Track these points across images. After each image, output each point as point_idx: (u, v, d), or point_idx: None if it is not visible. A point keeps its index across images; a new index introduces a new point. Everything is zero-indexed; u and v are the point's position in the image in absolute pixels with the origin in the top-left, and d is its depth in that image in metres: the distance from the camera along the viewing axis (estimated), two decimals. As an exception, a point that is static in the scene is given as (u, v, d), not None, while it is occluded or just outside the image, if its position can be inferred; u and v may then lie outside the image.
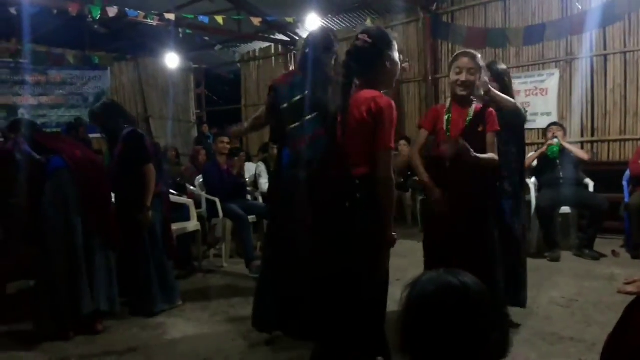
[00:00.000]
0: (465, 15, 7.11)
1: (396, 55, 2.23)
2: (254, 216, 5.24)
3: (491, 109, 2.93)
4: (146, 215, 3.67)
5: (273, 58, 9.94)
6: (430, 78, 7.36)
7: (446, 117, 2.91)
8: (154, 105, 10.63)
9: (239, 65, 10.76)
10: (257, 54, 10.33)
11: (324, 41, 3.11)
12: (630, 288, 3.71)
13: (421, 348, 1.12)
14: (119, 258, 3.56)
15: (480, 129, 2.87)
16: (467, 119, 2.87)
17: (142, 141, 3.73)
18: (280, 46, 9.67)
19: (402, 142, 7.04)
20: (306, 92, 2.94)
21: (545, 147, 5.23)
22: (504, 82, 3.28)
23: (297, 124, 2.94)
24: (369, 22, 7.86)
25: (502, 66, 3.45)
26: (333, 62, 3.07)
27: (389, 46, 2.20)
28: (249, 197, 5.79)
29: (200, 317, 3.71)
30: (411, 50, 7.60)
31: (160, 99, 10.72)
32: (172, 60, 9.81)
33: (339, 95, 2.15)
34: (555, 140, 5.16)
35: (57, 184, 3.25)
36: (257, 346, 3.12)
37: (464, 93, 2.86)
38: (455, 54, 2.98)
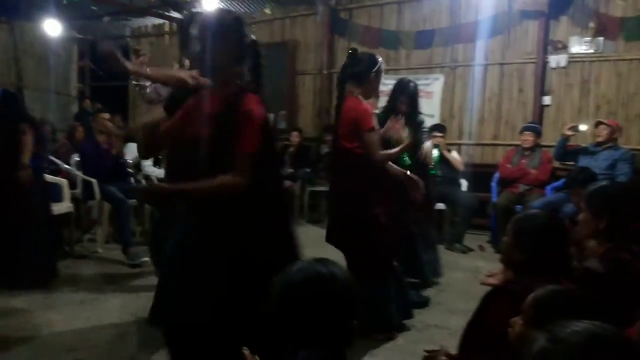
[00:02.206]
0: (362, 14, 7.29)
1: None
2: (134, 200, 4.99)
3: None
4: (25, 173, 3.45)
5: (167, 36, 9.53)
6: (325, 72, 7.46)
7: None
8: (30, 75, 9.73)
9: (129, 40, 10.19)
10: (149, 30, 9.85)
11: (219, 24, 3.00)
12: (491, 280, 4.06)
13: (290, 335, 1.13)
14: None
15: None
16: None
17: (16, 99, 3.56)
18: (174, 24, 9.29)
19: (295, 133, 7.09)
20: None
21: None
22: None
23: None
24: (268, 11, 7.80)
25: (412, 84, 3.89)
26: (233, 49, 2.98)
27: None
28: (131, 179, 5.51)
29: (68, 304, 3.46)
30: (308, 43, 7.66)
31: (37, 69, 9.83)
32: (52, 27, 9.03)
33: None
34: (436, 152, 5.38)
35: None
36: (126, 335, 2.98)
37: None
38: (379, 59, 3.06)
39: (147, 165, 5.68)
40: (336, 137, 3.07)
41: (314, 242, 5.47)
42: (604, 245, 2.19)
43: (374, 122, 2.94)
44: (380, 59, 3.06)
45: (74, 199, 4.76)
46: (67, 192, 4.65)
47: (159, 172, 5.54)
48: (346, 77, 3.05)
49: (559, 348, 0.88)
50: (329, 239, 3.18)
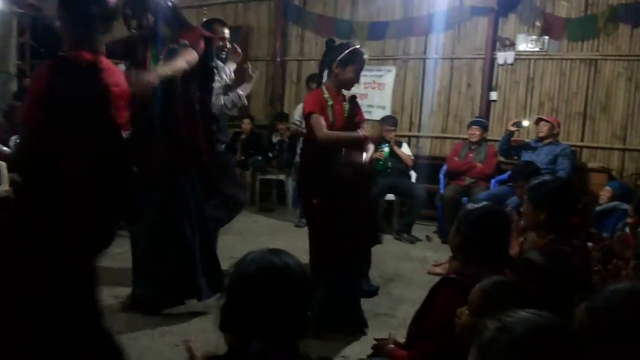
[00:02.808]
0: (316, 2, 7.26)
1: None
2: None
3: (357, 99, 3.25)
4: None
5: (114, 16, 9.18)
6: (278, 59, 7.41)
7: (330, 103, 3.03)
8: (-36, 50, 9.19)
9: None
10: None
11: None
12: (437, 270, 4.17)
13: (242, 326, 1.13)
14: None
15: (356, 119, 3.15)
16: (345, 110, 3.09)
17: None
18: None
19: (246, 120, 7.02)
20: None
21: (379, 153, 5.42)
22: None
23: None
24: (220, -6, 7.64)
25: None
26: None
27: None
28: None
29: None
30: (262, 29, 7.57)
31: (-27, 44, 9.29)
32: (-10, 0, 8.55)
33: None
34: (386, 150, 5.45)
35: None
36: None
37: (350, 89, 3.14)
38: (359, 49, 3.08)
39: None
40: None
41: (265, 231, 5.50)
42: (545, 237, 2.29)
43: (316, 106, 2.98)
44: (354, 48, 3.06)
45: (13, 183, 4.55)
46: (5, 175, 4.43)
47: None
48: (324, 65, 3.13)
49: (504, 337, 0.91)
50: None
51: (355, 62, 3.03)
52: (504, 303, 1.32)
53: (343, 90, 3.11)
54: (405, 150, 5.84)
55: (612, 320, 1.06)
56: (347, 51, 3.02)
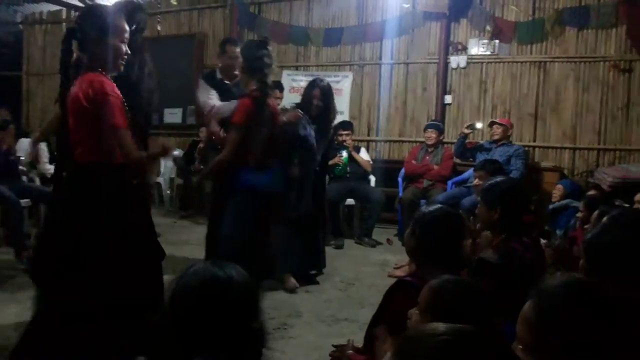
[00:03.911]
0: (271, 9, 7.25)
1: None
2: (28, 200, 4.65)
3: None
4: None
5: (64, 24, 8.93)
6: (234, 66, 7.34)
7: None
8: None
9: (21, 27, 9.44)
10: (44, 17, 9.18)
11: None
12: (398, 272, 4.19)
13: (185, 340, 1.10)
14: None
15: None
16: None
17: None
18: (72, 11, 8.73)
19: (204, 128, 6.91)
20: None
21: (333, 163, 5.40)
22: None
23: None
24: (174, 2, 7.55)
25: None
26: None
27: None
28: (24, 178, 5.11)
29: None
30: (217, 36, 7.49)
31: None
32: None
33: None
34: (344, 156, 5.51)
35: None
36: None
37: None
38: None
39: (43, 162, 5.29)
40: None
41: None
42: (498, 236, 2.33)
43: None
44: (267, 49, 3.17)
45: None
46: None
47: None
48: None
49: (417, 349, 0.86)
50: None
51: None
52: (451, 301, 1.33)
53: None
54: (364, 155, 5.88)
55: (556, 317, 1.06)
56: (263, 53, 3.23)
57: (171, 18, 7.74)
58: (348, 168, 5.60)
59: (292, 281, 3.84)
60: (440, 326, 0.86)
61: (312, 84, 4.05)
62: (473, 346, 0.82)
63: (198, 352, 1.07)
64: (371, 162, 5.88)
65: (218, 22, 7.51)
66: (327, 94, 3.99)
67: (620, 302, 1.10)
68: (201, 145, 6.88)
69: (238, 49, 3.70)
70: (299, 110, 3.72)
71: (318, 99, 3.92)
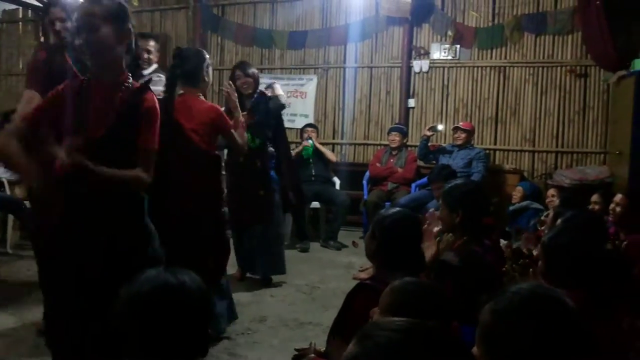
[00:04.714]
0: (235, 11, 7.20)
1: None
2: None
3: None
4: None
5: (20, 24, 8.66)
6: (198, 69, 7.25)
7: None
8: None
9: (-26, 26, 9.11)
10: (-1, 17, 8.90)
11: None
12: (362, 275, 4.20)
13: (138, 349, 1.07)
14: None
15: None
16: None
17: None
18: (30, 11, 8.47)
19: (166, 131, 6.82)
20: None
21: (301, 147, 5.70)
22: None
23: None
24: (135, 2, 7.39)
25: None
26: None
27: None
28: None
29: None
30: (180, 38, 7.40)
31: None
32: None
33: None
34: (310, 141, 5.67)
35: None
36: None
37: None
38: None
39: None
40: (183, 139, 2.76)
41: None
42: (459, 238, 2.37)
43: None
44: (206, 55, 3.02)
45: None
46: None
47: (8, 176, 4.97)
48: (176, 77, 2.85)
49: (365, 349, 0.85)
50: None
51: (210, 66, 3.05)
52: (411, 301, 1.34)
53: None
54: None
55: (512, 323, 1.05)
56: (207, 56, 3.03)
57: (133, 19, 7.58)
58: (313, 171, 5.61)
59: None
60: (397, 320, 0.86)
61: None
62: (427, 340, 0.82)
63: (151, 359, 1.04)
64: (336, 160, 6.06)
65: (181, 23, 7.41)
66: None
67: (577, 311, 1.09)
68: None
69: (152, 42, 3.78)
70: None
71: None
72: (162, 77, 3.25)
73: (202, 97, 2.91)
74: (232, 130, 2.94)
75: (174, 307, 1.09)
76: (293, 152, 5.67)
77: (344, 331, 1.73)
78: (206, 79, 2.94)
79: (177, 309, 1.09)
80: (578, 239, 1.90)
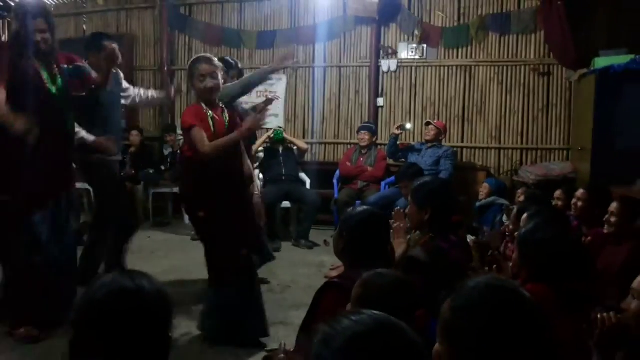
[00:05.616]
0: (203, 11, 7.14)
1: None
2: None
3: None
4: None
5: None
6: (166, 68, 7.18)
7: (210, 115, 2.96)
8: None
9: None
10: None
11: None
12: (334, 273, 4.23)
13: (94, 356, 1.06)
14: None
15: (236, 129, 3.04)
16: (225, 120, 3.02)
17: None
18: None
19: (134, 132, 6.72)
20: None
21: (271, 132, 5.83)
22: None
23: None
24: (100, 2, 7.27)
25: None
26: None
27: None
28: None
29: None
30: (147, 38, 7.30)
31: None
32: None
33: None
34: (280, 129, 5.73)
35: None
36: None
37: (214, 97, 2.99)
38: (191, 61, 3.05)
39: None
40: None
41: (159, 247, 5.29)
42: (427, 235, 2.41)
43: (196, 119, 2.92)
44: (191, 60, 3.07)
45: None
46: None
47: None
48: None
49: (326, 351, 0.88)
50: None
51: (194, 72, 2.98)
52: (380, 293, 1.36)
53: (220, 102, 3.08)
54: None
55: (470, 317, 1.05)
56: (189, 66, 3.03)
57: (98, 19, 7.46)
58: (284, 170, 5.62)
59: None
60: (360, 313, 0.89)
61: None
62: (387, 335, 0.85)
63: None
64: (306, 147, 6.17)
65: (147, 23, 7.31)
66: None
67: (532, 301, 1.09)
68: (132, 149, 6.68)
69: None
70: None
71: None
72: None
73: (200, 104, 2.99)
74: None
75: (132, 312, 1.07)
76: (257, 142, 5.63)
77: (311, 329, 1.74)
78: (196, 85, 2.98)
79: (135, 314, 1.07)
80: (553, 235, 1.95)
